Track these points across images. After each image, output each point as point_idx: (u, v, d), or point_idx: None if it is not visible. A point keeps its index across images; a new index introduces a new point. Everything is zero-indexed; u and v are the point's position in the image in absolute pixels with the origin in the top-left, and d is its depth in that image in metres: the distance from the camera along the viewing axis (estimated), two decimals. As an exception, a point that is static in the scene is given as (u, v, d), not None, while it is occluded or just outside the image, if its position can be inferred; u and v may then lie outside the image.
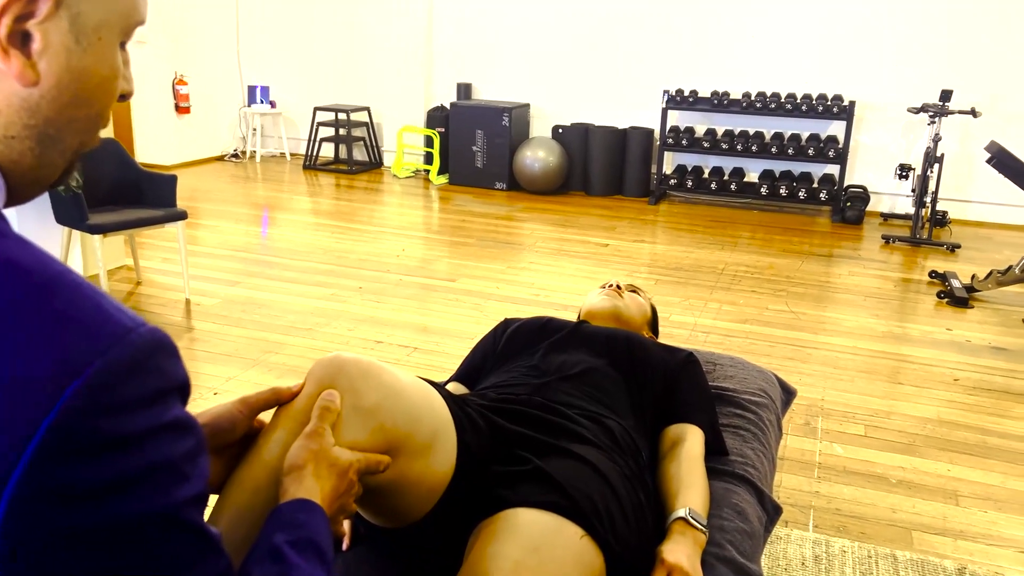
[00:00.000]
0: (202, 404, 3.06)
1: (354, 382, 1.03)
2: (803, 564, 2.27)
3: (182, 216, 4.08)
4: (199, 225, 5.57)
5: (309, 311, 4.03)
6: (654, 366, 1.56)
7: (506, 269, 4.78)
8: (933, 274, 4.82)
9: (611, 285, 1.84)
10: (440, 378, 3.31)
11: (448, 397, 1.18)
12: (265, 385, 3.21)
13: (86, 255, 4.39)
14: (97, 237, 3.79)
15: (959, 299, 4.39)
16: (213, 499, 1.02)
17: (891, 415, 3.14)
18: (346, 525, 1.29)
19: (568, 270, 4.79)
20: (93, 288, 0.62)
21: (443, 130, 7.24)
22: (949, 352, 3.77)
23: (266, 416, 1.08)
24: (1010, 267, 4.46)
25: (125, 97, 0.70)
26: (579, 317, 1.88)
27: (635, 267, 4.89)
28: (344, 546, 1.28)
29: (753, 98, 6.36)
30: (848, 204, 6.13)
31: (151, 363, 0.61)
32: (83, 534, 0.58)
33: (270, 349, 3.57)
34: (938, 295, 4.49)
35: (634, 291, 1.90)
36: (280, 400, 1.04)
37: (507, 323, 1.74)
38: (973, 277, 4.59)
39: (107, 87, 0.67)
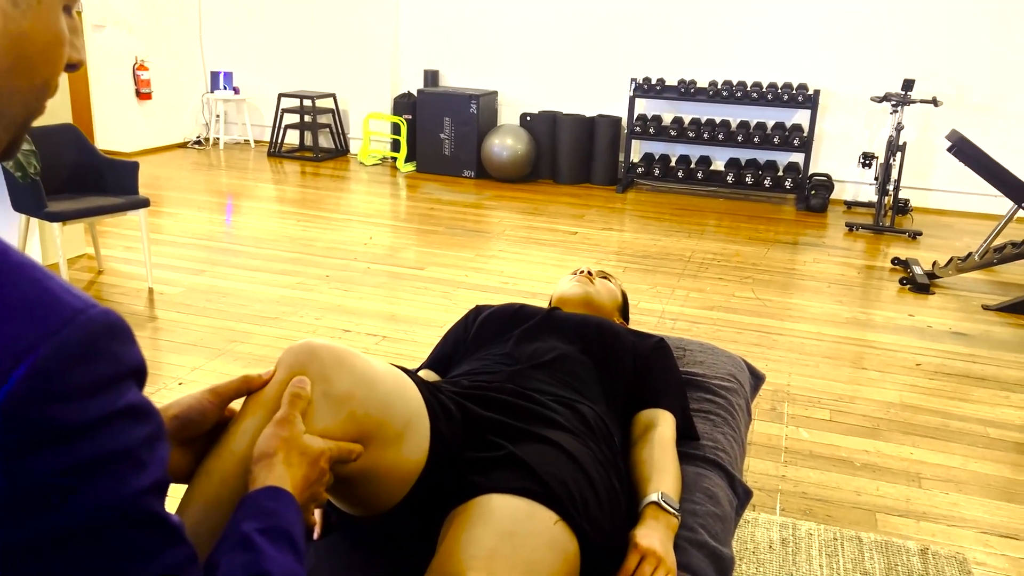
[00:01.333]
0: (166, 395, 3.01)
1: (326, 369, 1.01)
2: (770, 547, 2.29)
3: (144, 204, 4.01)
4: (162, 213, 5.48)
5: (275, 300, 3.98)
6: (625, 352, 1.56)
7: (475, 257, 4.77)
8: (895, 261, 4.89)
9: (582, 271, 1.84)
10: (409, 366, 3.29)
11: (421, 384, 1.17)
12: (231, 375, 3.17)
13: (45, 243, 4.30)
14: (56, 225, 3.70)
15: (921, 286, 4.46)
16: (180, 489, 1.00)
17: (855, 400, 3.18)
18: (317, 514, 1.27)
19: (537, 258, 4.79)
20: (40, 268, 0.59)
21: (410, 117, 7.19)
22: (911, 337, 3.83)
23: (237, 405, 1.06)
24: (970, 254, 4.54)
25: (75, 66, 0.67)
26: (550, 303, 1.87)
27: (604, 255, 4.91)
28: (315, 535, 1.27)
29: (720, 86, 6.39)
30: (813, 192, 6.20)
31: (103, 347, 0.58)
32: (36, 527, 0.56)
33: (235, 338, 3.53)
34: (900, 282, 4.56)
35: (605, 277, 1.90)
36: (251, 388, 1.02)
37: (478, 310, 1.73)
38: (934, 264, 4.67)
39: (50, 54, 0.63)
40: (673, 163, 6.76)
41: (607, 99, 7.00)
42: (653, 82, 6.57)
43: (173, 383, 3.11)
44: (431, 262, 4.65)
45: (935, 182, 6.41)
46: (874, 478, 2.65)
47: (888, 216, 5.80)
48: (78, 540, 0.58)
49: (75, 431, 0.56)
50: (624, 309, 1.91)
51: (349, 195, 6.23)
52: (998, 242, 4.53)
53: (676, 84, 6.60)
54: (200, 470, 0.96)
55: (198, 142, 7.90)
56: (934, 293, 4.47)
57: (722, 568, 1.21)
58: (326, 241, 4.98)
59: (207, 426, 0.99)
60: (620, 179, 6.81)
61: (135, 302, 3.91)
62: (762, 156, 6.71)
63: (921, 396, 3.24)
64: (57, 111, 4.31)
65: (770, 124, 6.54)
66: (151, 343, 3.46)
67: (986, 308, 4.25)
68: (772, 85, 6.33)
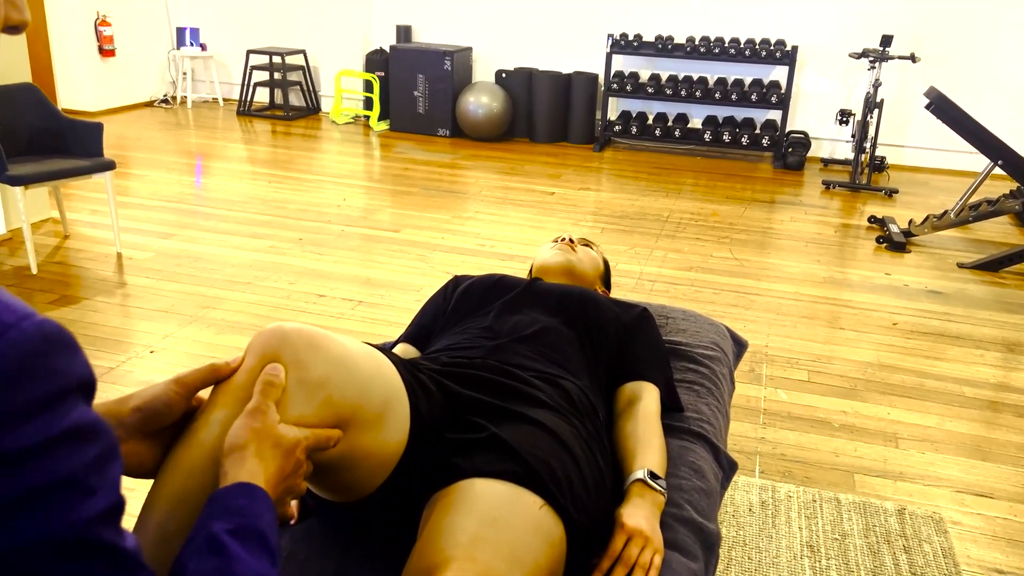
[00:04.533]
0: (138, 363, 2.95)
1: (299, 354, 0.96)
2: (750, 510, 2.30)
3: (110, 166, 3.89)
4: (129, 175, 5.34)
5: (247, 264, 3.91)
6: (608, 323, 1.52)
7: (451, 219, 4.70)
8: (872, 219, 4.89)
9: (563, 239, 1.79)
10: (385, 332, 3.25)
11: (399, 363, 1.12)
12: (204, 342, 3.12)
13: (7, 208, 4.18)
14: (18, 189, 3.59)
15: (897, 244, 4.47)
16: (146, 484, 0.95)
17: (833, 360, 3.19)
18: (294, 503, 1.23)
19: (514, 219, 4.74)
20: None
21: (383, 74, 7.04)
22: (888, 296, 3.84)
23: (205, 394, 1.00)
24: (946, 212, 4.55)
25: (17, 28, 0.60)
26: (531, 272, 1.83)
27: (581, 215, 4.86)
28: (292, 522, 1.23)
29: (697, 42, 6.31)
30: (790, 150, 6.18)
31: (39, 363, 0.53)
32: None
33: (208, 304, 3.46)
34: (877, 240, 4.57)
35: (587, 245, 1.86)
36: (218, 377, 0.96)
37: (457, 281, 1.68)
38: (910, 222, 4.68)
39: None
40: (650, 121, 6.70)
41: (584, 55, 6.89)
42: (630, 38, 6.47)
43: (144, 351, 3.05)
44: (406, 224, 4.58)
45: (911, 139, 6.41)
46: (852, 439, 2.66)
47: (865, 174, 5.79)
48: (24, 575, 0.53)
49: (12, 459, 0.51)
50: (606, 277, 1.87)
51: (321, 155, 6.11)
52: (974, 200, 4.54)
53: (653, 40, 6.50)
54: (167, 463, 0.91)
55: (165, 101, 7.71)
56: (910, 251, 4.48)
57: (708, 544, 1.19)
58: (299, 203, 4.89)
59: (173, 418, 0.93)
60: (597, 137, 6.74)
61: (103, 268, 3.82)
62: (739, 113, 6.67)
63: (898, 355, 3.25)
64: (16, 70, 4.16)
65: (748, 81, 6.48)
66: (121, 310, 3.38)
67: (961, 266, 4.27)
68: (750, 41, 6.25)
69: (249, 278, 3.74)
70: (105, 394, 2.73)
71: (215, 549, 0.72)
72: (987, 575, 2.10)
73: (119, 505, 0.59)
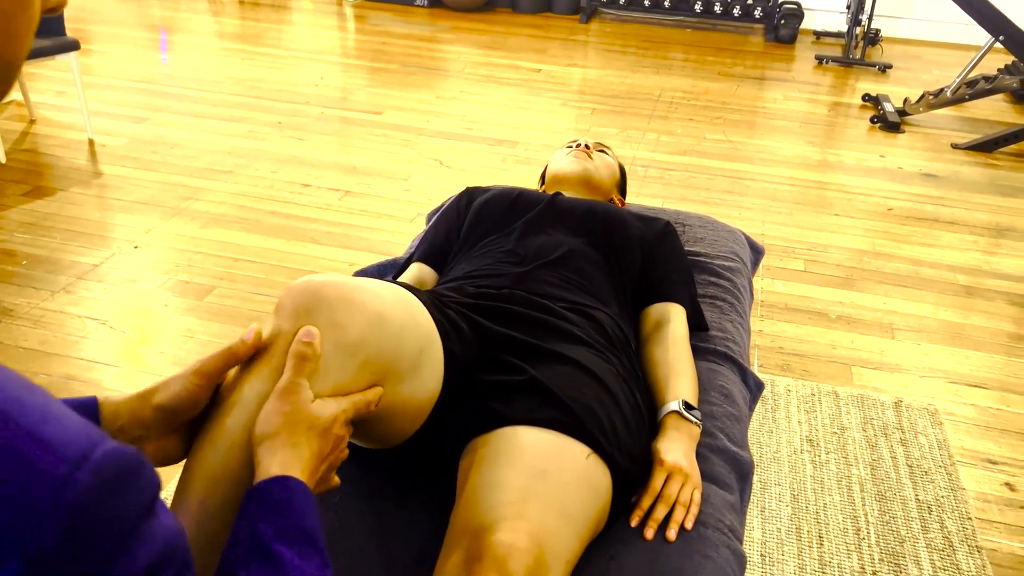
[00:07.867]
0: (123, 260, 2.86)
1: (335, 314, 0.89)
2: (750, 405, 2.32)
3: (74, 46, 3.66)
4: (92, 52, 5.05)
5: (226, 151, 3.76)
6: (633, 242, 1.45)
7: (434, 100, 4.52)
8: (866, 97, 4.78)
9: (579, 145, 1.70)
10: (375, 224, 3.16)
11: (428, 302, 1.06)
12: (189, 236, 3.02)
13: (-34, 91, 3.94)
14: (-23, 73, 3.37)
15: (891, 124, 4.39)
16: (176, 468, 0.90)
17: (829, 248, 3.17)
18: None
19: (500, 99, 4.57)
20: None
21: (355, -62, 6.61)
22: (882, 180, 3.79)
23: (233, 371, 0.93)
24: (942, 90, 4.45)
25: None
26: (543, 177, 1.75)
27: (569, 95, 4.70)
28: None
29: (689, -96, 5.96)
30: (782, 22, 5.96)
31: (107, 514, 0.44)
32: None
33: (189, 195, 3.34)
34: (871, 120, 4.48)
35: (602, 150, 1.76)
36: (239, 359, 0.88)
37: (470, 194, 1.59)
38: (905, 101, 4.58)
39: (10, 26, 0.46)
40: (638, -10, 6.40)
41: (568, -83, 6.49)
42: (618, -102, 6.09)
43: (128, 247, 2.95)
44: (388, 105, 4.40)
45: (906, 10, 6.20)
46: (849, 330, 2.67)
47: (859, 48, 5.63)
48: None
49: None
50: (622, 185, 1.79)
51: (292, 28, 5.80)
52: (971, 76, 4.43)
53: (642, -99, 6.12)
54: (201, 440, 0.85)
55: (121, -33, 7.22)
56: (904, 131, 4.40)
57: (743, 473, 1.18)
58: (273, 82, 4.67)
59: (198, 410, 0.87)
60: (583, 8, 6.45)
61: (76, 155, 3.65)
62: (730, -19, 6.37)
63: (893, 243, 3.24)
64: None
65: (740, -54, 6.16)
66: (98, 202, 3.25)
67: (955, 147, 4.22)
68: (745, -98, 5.91)
69: (230, 166, 3.60)
70: (92, 294, 2.65)
71: (265, 557, 0.68)
72: (980, 465, 2.16)
73: None
